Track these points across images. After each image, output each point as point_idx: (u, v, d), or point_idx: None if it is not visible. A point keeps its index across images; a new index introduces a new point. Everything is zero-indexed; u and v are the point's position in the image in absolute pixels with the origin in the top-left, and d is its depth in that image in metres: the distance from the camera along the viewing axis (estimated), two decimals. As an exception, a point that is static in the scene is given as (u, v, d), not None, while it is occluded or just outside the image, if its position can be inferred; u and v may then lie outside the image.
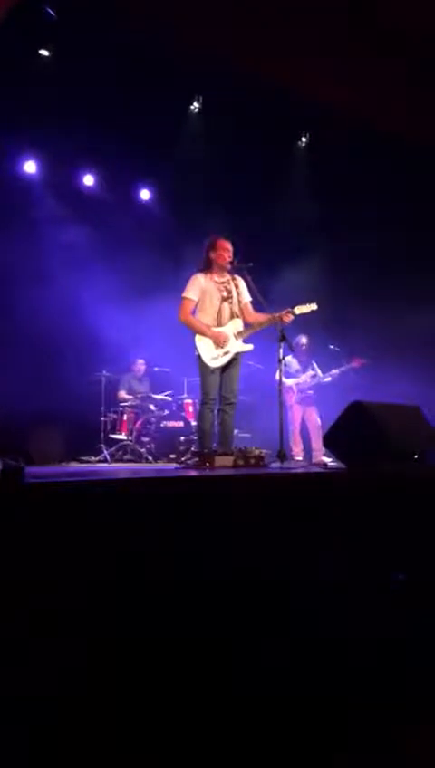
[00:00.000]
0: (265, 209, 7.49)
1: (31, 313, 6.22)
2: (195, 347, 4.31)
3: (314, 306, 4.42)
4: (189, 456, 5.58)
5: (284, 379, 4.70)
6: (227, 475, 2.86)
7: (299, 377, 6.49)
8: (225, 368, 4.33)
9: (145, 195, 7.83)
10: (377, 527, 2.57)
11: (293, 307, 4.33)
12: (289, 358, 6.28)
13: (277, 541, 2.26)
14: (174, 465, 5.55)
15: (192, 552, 2.01)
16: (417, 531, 2.68)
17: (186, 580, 1.95)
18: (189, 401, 6.64)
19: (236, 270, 4.44)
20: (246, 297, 4.48)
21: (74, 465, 5.78)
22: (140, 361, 7.24)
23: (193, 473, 3.18)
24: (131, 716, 1.67)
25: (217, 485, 2.43)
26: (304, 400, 6.47)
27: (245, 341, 4.38)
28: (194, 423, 6.06)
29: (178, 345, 5.30)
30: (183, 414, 6.67)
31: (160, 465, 6.09)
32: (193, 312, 4.35)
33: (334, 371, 6.39)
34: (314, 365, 6.55)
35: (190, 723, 1.72)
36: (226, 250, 4.38)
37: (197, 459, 3.91)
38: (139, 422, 6.72)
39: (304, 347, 6.53)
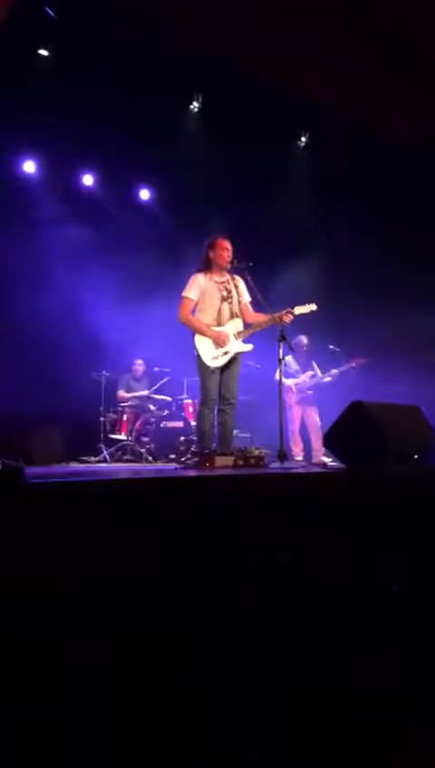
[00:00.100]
0: (265, 209, 7.48)
1: (31, 313, 6.21)
2: (194, 347, 4.30)
3: (313, 306, 4.41)
4: (189, 456, 5.56)
5: (283, 379, 4.70)
6: (226, 475, 2.86)
7: (298, 377, 6.49)
8: (224, 368, 4.33)
9: (145, 195, 7.83)
10: (377, 527, 2.57)
11: (292, 307, 4.31)
12: (289, 358, 6.28)
13: (277, 541, 2.26)
14: (174, 465, 5.54)
15: (192, 552, 2.01)
16: (417, 531, 2.68)
17: (186, 580, 1.95)
18: (189, 401, 6.64)
19: (235, 270, 4.44)
20: (246, 297, 4.48)
21: (74, 466, 5.78)
22: (139, 361, 7.24)
23: (193, 473, 3.18)
24: (131, 717, 1.67)
25: (217, 485, 2.43)
26: (303, 400, 6.46)
27: (244, 341, 4.38)
28: (194, 423, 6.05)
29: (178, 345, 5.30)
30: (183, 414, 6.67)
31: (160, 465, 6.08)
32: (193, 312, 4.35)
33: (334, 371, 6.38)
34: (314, 365, 6.55)
35: (191, 723, 1.72)
36: (225, 250, 4.38)
37: (197, 459, 3.91)
38: (138, 422, 6.72)
39: (303, 347, 6.53)
